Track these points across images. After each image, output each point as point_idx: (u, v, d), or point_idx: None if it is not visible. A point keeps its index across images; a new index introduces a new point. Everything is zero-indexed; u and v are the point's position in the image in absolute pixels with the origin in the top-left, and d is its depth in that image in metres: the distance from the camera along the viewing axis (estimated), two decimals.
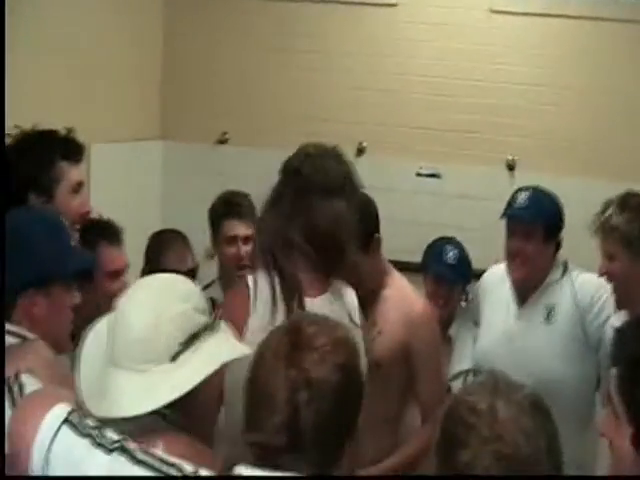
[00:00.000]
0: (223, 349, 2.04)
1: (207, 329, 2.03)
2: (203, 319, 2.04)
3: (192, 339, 1.99)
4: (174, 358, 1.96)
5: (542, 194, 3.64)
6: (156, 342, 1.96)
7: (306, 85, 5.94)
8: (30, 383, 2.04)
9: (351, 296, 2.94)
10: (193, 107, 6.13)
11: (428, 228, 5.31)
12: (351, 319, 2.82)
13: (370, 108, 5.85)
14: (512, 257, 3.62)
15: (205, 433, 2.07)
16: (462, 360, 3.88)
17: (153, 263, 3.87)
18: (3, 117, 3.04)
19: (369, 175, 5.44)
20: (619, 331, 1.93)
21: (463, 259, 4.17)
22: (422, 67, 5.78)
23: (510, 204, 3.62)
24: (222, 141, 6.08)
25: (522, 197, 3.58)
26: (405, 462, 3.35)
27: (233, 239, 3.87)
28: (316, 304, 2.76)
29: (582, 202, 5.33)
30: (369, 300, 3.38)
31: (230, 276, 3.79)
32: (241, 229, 3.87)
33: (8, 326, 2.23)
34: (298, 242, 2.84)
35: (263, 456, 1.68)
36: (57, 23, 4.91)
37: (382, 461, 3.30)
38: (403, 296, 3.45)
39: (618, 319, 3.23)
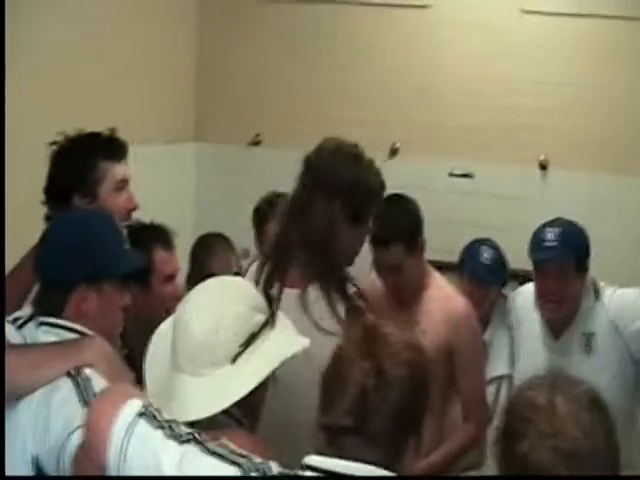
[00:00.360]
0: (280, 346, 2.10)
1: (264, 327, 2.09)
2: (260, 317, 2.10)
3: (251, 339, 2.06)
4: (234, 360, 2.03)
5: (568, 228, 3.56)
6: (216, 346, 2.03)
7: (339, 86, 5.96)
8: (94, 376, 2.11)
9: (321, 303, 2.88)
10: (226, 109, 6.17)
11: (461, 228, 5.33)
12: (316, 323, 2.79)
13: (403, 109, 5.86)
14: (545, 297, 3.56)
15: (256, 424, 2.13)
16: (498, 365, 3.89)
17: (199, 267, 3.92)
18: (3, 117, 3.08)
19: (402, 175, 5.54)
20: None
21: (499, 260, 4.18)
22: (454, 67, 5.78)
23: (538, 242, 3.54)
24: (255, 143, 6.12)
25: (549, 235, 3.50)
26: (449, 456, 3.45)
27: None
28: (291, 298, 2.80)
29: (614, 201, 5.41)
30: (412, 300, 3.48)
31: None
32: None
33: (64, 322, 2.29)
34: (293, 238, 2.86)
35: (331, 439, 1.76)
36: (94, 27, 4.97)
37: (428, 455, 3.36)
38: (445, 296, 3.54)
39: None
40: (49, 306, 2.32)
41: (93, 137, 3.08)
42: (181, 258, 4.01)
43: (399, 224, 3.43)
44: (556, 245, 3.47)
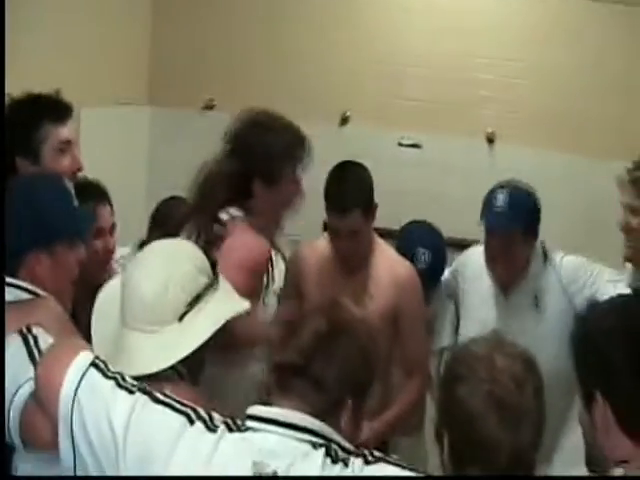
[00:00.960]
0: (224, 307, 2.20)
1: (209, 289, 2.19)
2: (205, 280, 2.19)
3: (196, 299, 2.15)
4: (181, 318, 2.13)
5: (519, 193, 3.59)
6: (165, 305, 2.12)
7: (292, 54, 6.03)
8: (44, 335, 2.19)
9: None
10: (180, 73, 6.21)
11: (409, 197, 5.44)
12: None
13: (354, 78, 5.95)
14: (494, 260, 3.64)
15: (198, 379, 2.22)
16: (442, 337, 3.99)
17: (161, 228, 3.96)
18: (3, 114, 3.10)
19: (352, 144, 5.62)
20: (575, 316, 2.11)
21: (435, 259, 4.07)
22: (406, 41, 5.88)
23: (488, 206, 3.58)
24: (209, 107, 6.17)
25: (500, 200, 3.54)
26: (403, 411, 3.61)
27: None
28: None
29: (560, 176, 5.55)
30: (361, 266, 3.61)
31: None
32: None
33: (20, 282, 2.35)
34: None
35: (280, 379, 1.91)
36: None
37: (380, 413, 3.51)
38: (390, 261, 3.67)
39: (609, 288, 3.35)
40: (5, 266, 2.37)
41: (37, 99, 3.09)
42: (134, 220, 4.08)
43: (357, 191, 3.52)
44: (505, 211, 3.52)
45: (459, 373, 1.94)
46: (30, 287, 2.35)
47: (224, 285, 2.27)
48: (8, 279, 2.35)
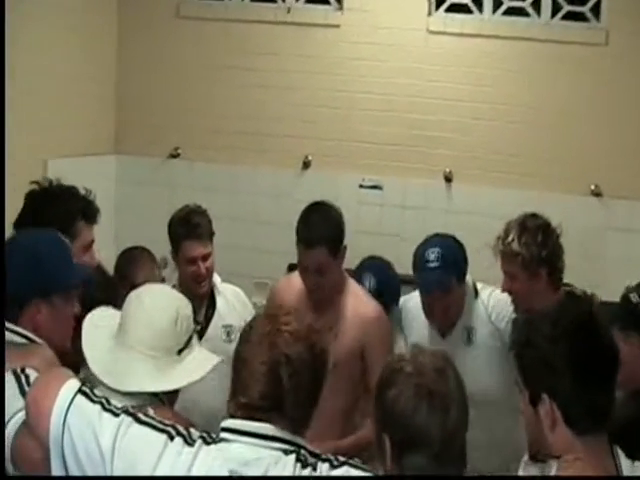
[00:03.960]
0: (208, 355, 2.52)
1: (194, 333, 2.51)
2: (193, 325, 2.51)
3: (189, 340, 2.46)
4: (179, 352, 2.42)
5: (447, 246, 3.83)
6: (172, 336, 2.40)
7: (255, 102, 6.19)
8: (34, 376, 2.32)
9: None
10: (146, 123, 6.34)
11: (370, 237, 5.59)
12: None
13: (315, 124, 6.12)
14: (432, 312, 3.86)
15: (172, 405, 2.50)
16: None
17: (123, 279, 4.08)
18: (3, 120, 3.23)
19: (315, 187, 5.78)
20: (514, 321, 2.31)
21: (382, 286, 4.22)
22: (364, 84, 6.05)
23: (421, 263, 3.80)
24: (174, 155, 6.31)
25: (431, 256, 3.75)
26: (359, 442, 3.67)
27: (193, 260, 4.06)
28: None
29: (515, 213, 5.70)
30: (329, 303, 3.73)
31: (190, 290, 3.94)
32: (200, 249, 4.07)
33: (19, 329, 2.51)
34: None
35: (247, 414, 2.04)
36: (13, 42, 5.07)
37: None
38: (357, 301, 3.83)
39: None
40: (6, 313, 2.53)
41: (74, 195, 3.29)
42: (104, 264, 4.18)
43: (324, 228, 3.68)
44: (438, 266, 3.75)
45: (387, 379, 2.11)
46: (26, 333, 2.51)
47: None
48: (7, 324, 2.50)
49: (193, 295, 3.94)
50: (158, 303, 2.45)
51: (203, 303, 4.13)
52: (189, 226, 4.09)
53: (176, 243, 4.12)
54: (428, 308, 3.86)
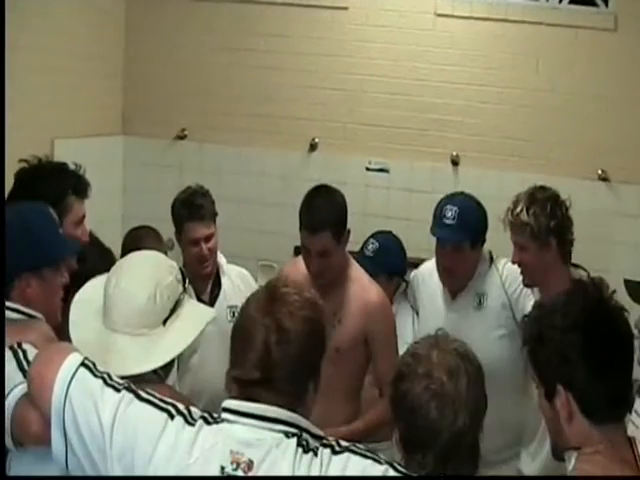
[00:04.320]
0: (198, 314, 2.48)
1: (183, 295, 2.45)
2: (181, 288, 2.44)
3: (176, 305, 2.40)
4: (164, 322, 2.37)
5: (467, 206, 3.87)
6: (154, 310, 2.36)
7: (262, 84, 6.18)
8: (31, 351, 2.34)
9: None
10: (153, 104, 6.35)
11: (377, 220, 5.60)
12: None
13: (322, 106, 6.11)
14: (444, 269, 3.92)
15: (168, 374, 2.50)
16: (401, 343, 4.15)
17: None
18: (3, 117, 3.24)
19: (321, 169, 5.79)
20: (524, 316, 2.32)
21: (383, 250, 4.30)
22: (371, 67, 6.05)
23: (438, 219, 3.85)
24: (181, 137, 6.31)
25: (449, 213, 3.81)
26: (368, 427, 3.72)
27: (196, 241, 4.10)
28: None
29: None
30: (332, 289, 3.72)
31: (195, 271, 4.06)
32: (203, 230, 4.11)
33: (14, 304, 2.52)
34: None
35: (241, 389, 2.04)
36: (23, 24, 5.08)
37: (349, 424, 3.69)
38: (361, 286, 3.83)
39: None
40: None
41: (64, 171, 3.33)
42: (111, 245, 4.19)
43: (328, 212, 3.68)
44: (453, 224, 3.80)
45: (402, 372, 2.18)
46: (20, 307, 2.52)
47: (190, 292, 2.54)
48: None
49: (197, 275, 4.01)
50: (135, 280, 2.38)
51: (208, 283, 4.17)
52: (192, 207, 4.12)
53: (179, 225, 4.15)
54: (441, 265, 3.92)
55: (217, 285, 4.19)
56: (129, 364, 2.29)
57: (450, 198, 3.92)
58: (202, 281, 4.12)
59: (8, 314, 2.49)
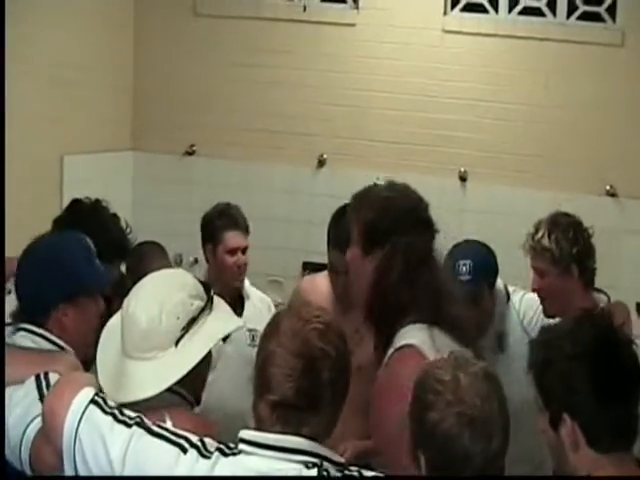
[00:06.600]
0: (217, 327, 2.37)
1: (203, 311, 2.35)
2: (199, 303, 2.34)
3: (191, 323, 2.30)
4: (177, 343, 2.28)
5: (479, 254, 3.81)
6: (160, 332, 2.28)
7: (270, 100, 6.20)
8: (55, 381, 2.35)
9: None
10: (162, 120, 6.37)
11: None
12: None
13: (331, 122, 6.13)
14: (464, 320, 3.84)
15: (199, 397, 2.41)
16: None
17: (134, 273, 4.11)
18: (3, 119, 3.25)
19: (330, 185, 5.80)
20: (530, 342, 2.29)
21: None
22: (379, 83, 6.06)
23: (454, 274, 3.69)
24: (189, 153, 6.33)
25: (463, 269, 3.71)
26: None
27: (235, 250, 4.15)
28: None
29: (529, 213, 5.71)
30: (351, 306, 3.70)
31: (225, 284, 4.06)
32: (241, 240, 4.17)
33: (47, 334, 2.57)
34: None
35: (279, 415, 1.98)
36: (33, 39, 5.10)
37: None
38: None
39: None
40: (33, 317, 2.58)
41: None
42: None
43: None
44: (470, 279, 3.69)
45: (427, 400, 2.07)
46: (53, 338, 2.57)
47: (219, 305, 2.43)
48: (31, 327, 2.57)
49: (227, 290, 4.02)
50: (140, 303, 2.32)
51: (232, 300, 4.17)
52: (230, 217, 4.19)
53: (216, 235, 4.19)
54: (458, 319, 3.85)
55: (240, 306, 4.18)
56: (136, 389, 2.24)
57: (458, 252, 3.79)
58: (228, 298, 4.13)
59: (41, 343, 2.54)
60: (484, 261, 3.81)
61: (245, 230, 4.19)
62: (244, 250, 4.16)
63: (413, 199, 3.02)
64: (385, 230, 2.89)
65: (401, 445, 2.19)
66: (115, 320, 2.44)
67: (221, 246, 4.16)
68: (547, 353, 2.12)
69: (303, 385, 1.96)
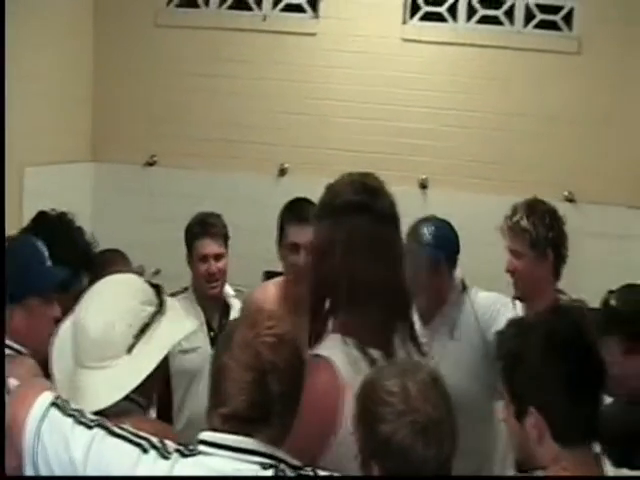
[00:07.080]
0: (170, 333, 2.34)
1: (156, 316, 2.33)
2: (151, 309, 2.33)
3: (144, 329, 2.29)
4: (129, 350, 2.26)
5: (441, 226, 3.83)
6: (111, 340, 2.25)
7: (231, 109, 6.22)
8: (14, 386, 2.31)
9: None
10: (123, 131, 6.36)
11: None
12: None
13: (292, 131, 6.16)
14: (418, 289, 3.83)
15: (151, 401, 2.41)
16: None
17: (97, 281, 4.10)
18: (3, 115, 3.24)
19: (291, 194, 5.78)
20: (499, 333, 2.30)
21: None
22: (340, 92, 6.10)
23: (415, 238, 3.75)
24: (150, 163, 6.33)
25: (425, 233, 3.74)
26: None
27: (205, 257, 4.15)
28: None
29: (490, 219, 5.77)
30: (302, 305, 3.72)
31: (203, 292, 4.16)
32: (213, 247, 4.16)
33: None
34: None
35: (232, 426, 2.00)
36: None
37: None
38: None
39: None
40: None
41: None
42: None
43: (313, 208, 3.67)
44: (430, 241, 3.73)
45: (377, 412, 2.06)
46: (12, 344, 2.54)
47: (172, 309, 2.40)
48: None
49: (206, 297, 4.15)
50: (89, 313, 2.30)
51: (217, 309, 4.24)
52: (204, 225, 4.20)
53: (190, 243, 4.21)
54: (414, 286, 3.87)
55: (225, 315, 4.23)
56: (96, 399, 2.23)
57: (425, 220, 3.88)
58: (211, 305, 4.20)
59: None
60: (446, 231, 3.85)
61: (221, 238, 4.20)
62: (217, 257, 4.16)
63: (360, 185, 2.90)
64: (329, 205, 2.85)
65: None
66: (67, 328, 2.41)
67: (194, 254, 4.19)
68: (518, 348, 2.12)
69: (254, 398, 1.99)
